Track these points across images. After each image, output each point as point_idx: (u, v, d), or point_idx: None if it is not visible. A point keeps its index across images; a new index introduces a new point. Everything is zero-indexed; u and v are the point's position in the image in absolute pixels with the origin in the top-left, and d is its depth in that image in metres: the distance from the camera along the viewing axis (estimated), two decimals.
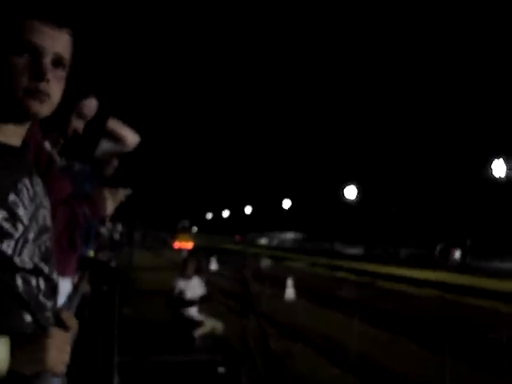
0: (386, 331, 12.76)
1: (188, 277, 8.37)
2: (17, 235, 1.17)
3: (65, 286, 2.39)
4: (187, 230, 58.37)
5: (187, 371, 5.63)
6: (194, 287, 8.31)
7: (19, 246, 1.17)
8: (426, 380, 8.53)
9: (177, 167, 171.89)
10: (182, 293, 8.13)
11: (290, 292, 18.36)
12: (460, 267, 36.95)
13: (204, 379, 5.61)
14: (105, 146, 2.65)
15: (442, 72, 75.97)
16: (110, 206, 2.43)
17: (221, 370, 5.77)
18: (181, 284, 8.23)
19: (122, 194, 2.54)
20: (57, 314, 1.36)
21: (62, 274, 2.42)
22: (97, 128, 2.59)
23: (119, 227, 23.41)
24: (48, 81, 1.22)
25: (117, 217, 23.49)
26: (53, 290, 1.31)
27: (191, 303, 8.13)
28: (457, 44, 76.63)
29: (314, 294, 18.02)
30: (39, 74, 1.21)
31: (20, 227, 1.18)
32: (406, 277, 29.01)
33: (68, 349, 1.27)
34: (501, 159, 42.22)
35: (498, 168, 43.04)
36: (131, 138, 2.79)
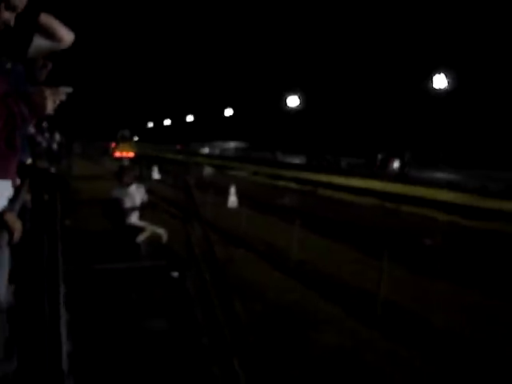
0: (327, 238, 13.13)
1: (126, 185, 8.21)
2: None
3: (5, 189, 2.29)
4: (128, 139, 57.37)
5: (134, 277, 5.66)
6: (132, 195, 8.20)
7: None
8: (362, 282, 8.89)
9: (117, 75, 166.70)
10: (119, 201, 8.01)
11: (232, 200, 18.47)
12: (398, 177, 38.03)
13: (153, 284, 5.66)
14: (38, 42, 2.45)
15: None
16: (49, 106, 2.30)
17: (174, 274, 5.83)
18: (117, 192, 8.10)
19: (63, 92, 2.40)
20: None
21: (3, 176, 2.32)
22: (29, 22, 2.40)
23: (57, 137, 22.67)
24: None
25: (55, 127, 22.78)
26: None
27: (130, 210, 8.04)
28: None
29: (256, 202, 18.22)
30: None
31: None
32: (346, 186, 29.69)
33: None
34: (442, 74, 42.81)
35: (439, 81, 43.66)
36: (66, 34, 2.60)
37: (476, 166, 40.74)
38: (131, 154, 52.12)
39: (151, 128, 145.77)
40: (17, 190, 2.54)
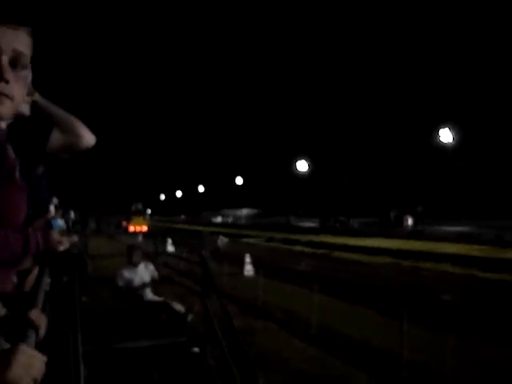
0: (345, 301, 13.01)
1: (134, 265, 8.41)
2: None
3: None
4: (141, 213, 57.72)
5: (155, 355, 5.63)
6: (141, 273, 8.34)
7: None
8: (384, 344, 8.76)
9: (127, 150, 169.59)
10: (128, 282, 8.15)
11: (248, 268, 18.42)
12: (413, 233, 37.84)
13: (174, 361, 5.62)
14: (56, 136, 2.48)
15: (391, 45, 76.64)
16: (61, 247, 2.43)
17: (195, 350, 5.80)
18: (126, 273, 8.28)
19: (72, 240, 2.52)
20: (25, 314, 1.32)
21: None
22: (46, 116, 2.47)
23: (72, 215, 22.99)
24: (7, 81, 1.16)
25: (69, 204, 23.09)
26: None
27: (141, 288, 8.15)
28: (402, 15, 77.30)
29: (272, 268, 18.15)
30: None
31: None
32: (361, 246, 29.54)
33: (38, 364, 1.18)
34: (446, 128, 43.22)
35: (445, 135, 44.04)
36: (85, 131, 2.64)
37: (488, 216, 40.49)
38: (145, 228, 52.33)
39: (164, 200, 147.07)
40: (37, 282, 2.59)
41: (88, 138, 2.64)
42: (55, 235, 2.41)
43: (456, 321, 9.80)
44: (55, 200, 7.03)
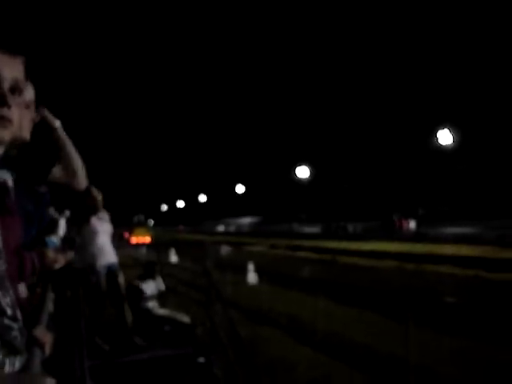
0: (350, 306, 13.00)
1: (147, 279, 8.47)
2: None
3: None
4: (143, 224, 57.75)
5: (161, 366, 5.63)
6: (151, 287, 8.38)
7: None
8: (390, 348, 8.75)
9: (127, 163, 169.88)
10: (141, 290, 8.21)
11: (252, 276, 18.43)
12: (416, 236, 37.80)
13: (181, 372, 5.62)
14: (57, 171, 2.54)
15: (387, 46, 76.87)
16: (58, 266, 2.46)
17: (201, 359, 5.80)
18: (138, 283, 8.35)
19: (71, 255, 2.55)
20: (31, 333, 1.35)
21: None
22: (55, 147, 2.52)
23: (75, 228, 22.93)
24: (10, 106, 1.23)
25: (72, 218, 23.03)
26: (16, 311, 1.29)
27: (149, 299, 8.20)
28: (399, 16, 77.57)
29: (275, 275, 18.16)
30: (1, 101, 1.23)
31: None
32: (364, 251, 29.52)
33: None
34: (446, 130, 43.23)
35: (444, 136, 44.03)
36: (82, 180, 2.68)
37: (490, 217, 40.46)
38: (148, 240, 52.29)
39: (166, 211, 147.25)
40: (41, 299, 2.61)
41: (81, 183, 2.68)
42: (50, 254, 2.44)
43: (462, 323, 9.81)
44: (67, 213, 7.02)
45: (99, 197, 7.15)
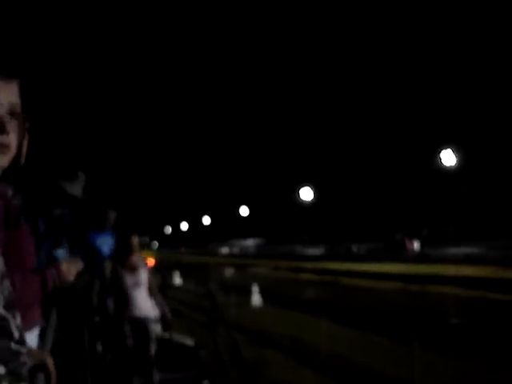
0: (354, 327, 12.96)
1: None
2: None
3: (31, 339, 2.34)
4: (148, 247, 57.66)
5: None
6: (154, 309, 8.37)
7: None
8: (395, 371, 8.72)
9: (130, 187, 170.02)
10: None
11: (255, 298, 18.41)
12: (420, 257, 37.65)
13: None
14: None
15: (389, 65, 77.18)
16: (72, 277, 2.48)
17: (205, 383, 5.81)
18: None
19: (81, 264, 2.58)
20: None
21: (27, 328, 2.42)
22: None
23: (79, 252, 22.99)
24: (8, 133, 1.25)
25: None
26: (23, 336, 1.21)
27: (153, 322, 8.18)
28: (398, 32, 77.97)
29: (279, 297, 18.13)
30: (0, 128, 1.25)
31: None
32: (368, 272, 29.41)
33: None
34: (449, 150, 43.28)
35: (447, 157, 44.08)
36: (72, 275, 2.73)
37: (494, 237, 40.28)
38: (152, 262, 52.20)
39: (170, 233, 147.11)
40: (47, 327, 2.65)
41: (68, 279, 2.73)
42: (63, 267, 2.46)
43: (467, 344, 9.77)
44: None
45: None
